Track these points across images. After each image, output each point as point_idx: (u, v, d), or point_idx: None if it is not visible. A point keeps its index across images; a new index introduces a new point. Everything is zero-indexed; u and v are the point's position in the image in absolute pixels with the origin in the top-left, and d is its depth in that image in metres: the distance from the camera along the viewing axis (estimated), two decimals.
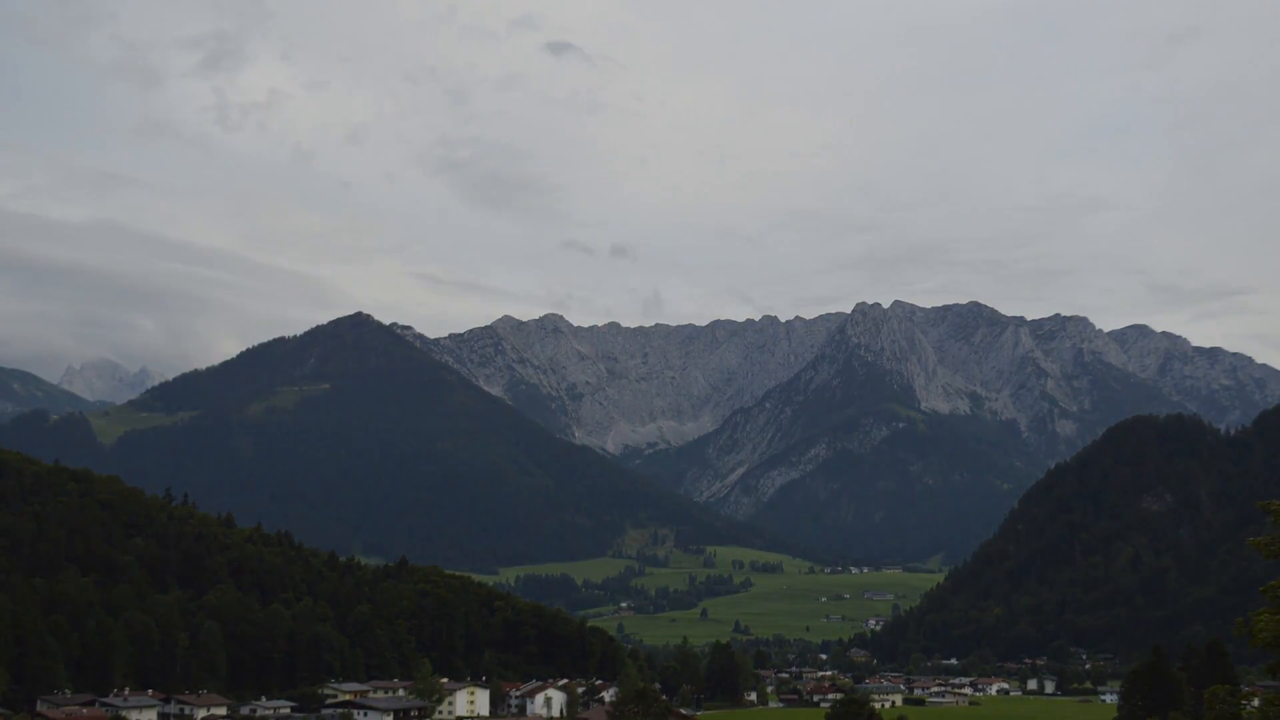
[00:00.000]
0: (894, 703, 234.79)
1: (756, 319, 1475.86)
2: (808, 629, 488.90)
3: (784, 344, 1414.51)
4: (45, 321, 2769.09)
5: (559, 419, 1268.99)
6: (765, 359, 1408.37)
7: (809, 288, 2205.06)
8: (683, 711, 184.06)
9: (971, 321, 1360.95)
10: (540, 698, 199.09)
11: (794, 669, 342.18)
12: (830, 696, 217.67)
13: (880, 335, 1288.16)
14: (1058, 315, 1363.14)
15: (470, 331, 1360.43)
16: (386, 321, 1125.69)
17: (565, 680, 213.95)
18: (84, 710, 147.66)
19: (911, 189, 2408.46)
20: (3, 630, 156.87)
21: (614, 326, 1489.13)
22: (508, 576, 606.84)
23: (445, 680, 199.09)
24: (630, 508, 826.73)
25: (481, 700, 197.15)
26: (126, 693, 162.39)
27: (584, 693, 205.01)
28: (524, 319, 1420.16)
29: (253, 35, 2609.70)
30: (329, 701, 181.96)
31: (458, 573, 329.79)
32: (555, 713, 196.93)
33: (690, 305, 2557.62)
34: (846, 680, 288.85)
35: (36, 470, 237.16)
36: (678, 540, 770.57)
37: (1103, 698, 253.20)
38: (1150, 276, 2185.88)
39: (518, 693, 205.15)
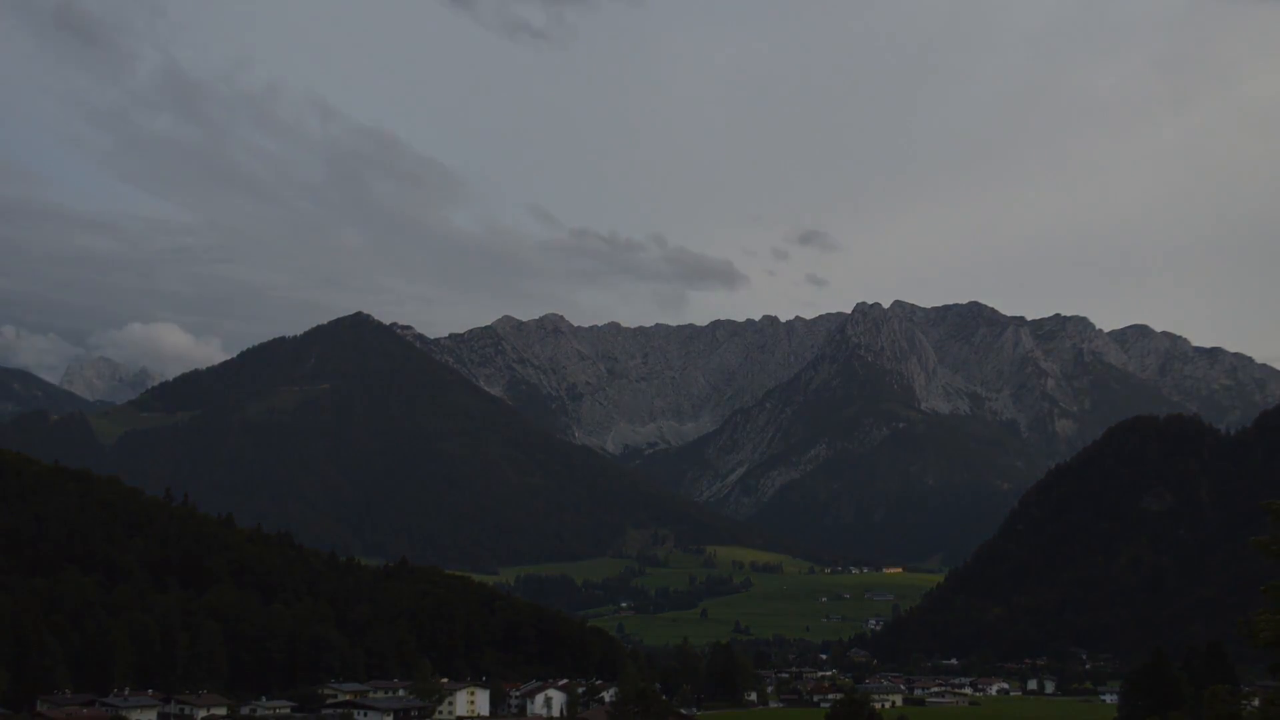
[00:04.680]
0: (894, 703, 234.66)
1: (757, 319, 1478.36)
2: (808, 629, 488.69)
3: (784, 344, 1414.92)
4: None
5: (559, 419, 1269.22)
6: (765, 359, 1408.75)
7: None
8: (683, 711, 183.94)
9: (971, 321, 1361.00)
10: (540, 698, 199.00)
11: (794, 669, 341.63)
12: (830, 696, 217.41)
13: (880, 335, 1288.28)
14: (1058, 315, 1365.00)
15: (470, 331, 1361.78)
16: (386, 321, 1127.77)
17: (565, 680, 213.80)
18: (84, 710, 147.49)
19: None
20: (3, 630, 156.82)
21: (614, 326, 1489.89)
22: (508, 576, 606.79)
23: (445, 680, 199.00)
24: (630, 508, 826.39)
25: (481, 700, 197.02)
26: (126, 693, 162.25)
27: (584, 693, 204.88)
28: (524, 319, 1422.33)
29: None
30: (329, 701, 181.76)
31: (458, 573, 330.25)
32: (555, 713, 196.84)
33: None
34: (846, 680, 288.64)
35: (36, 470, 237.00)
36: (678, 540, 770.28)
37: (1103, 698, 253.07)
38: None
39: (518, 693, 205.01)
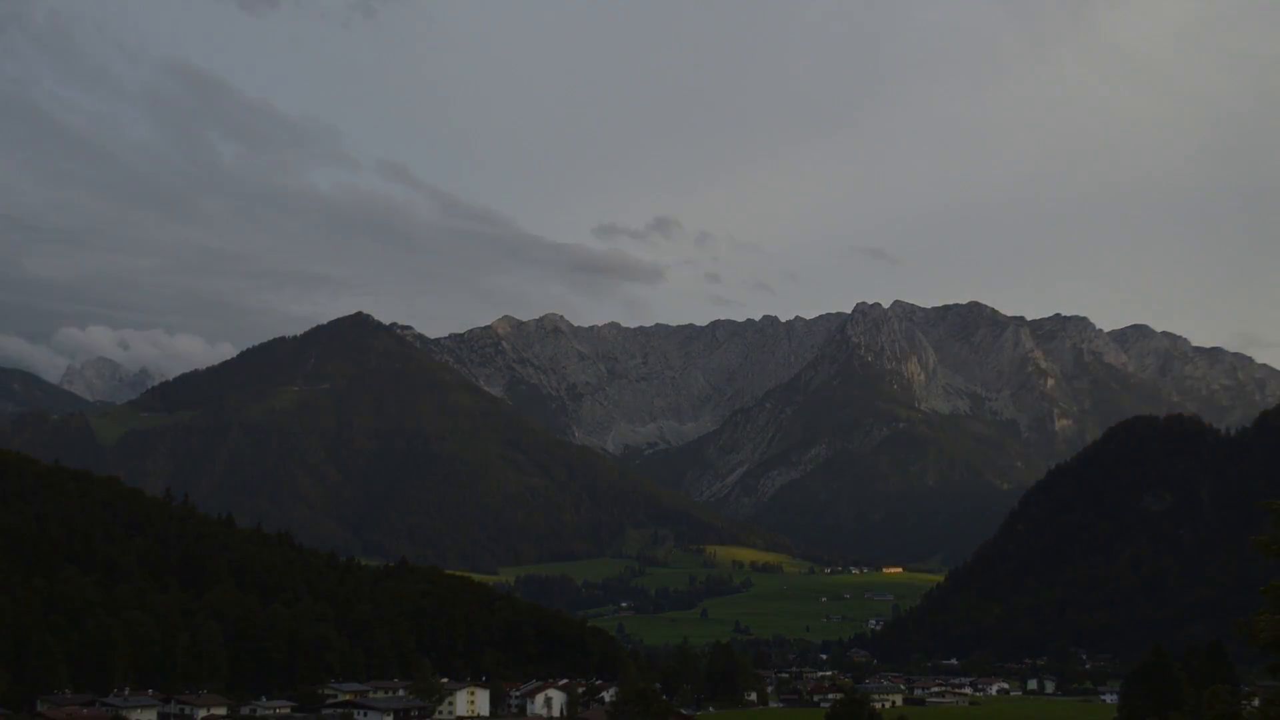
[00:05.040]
0: (894, 703, 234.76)
1: (757, 319, 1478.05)
2: (808, 629, 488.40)
3: (784, 344, 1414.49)
4: None
5: (559, 419, 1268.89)
6: (765, 359, 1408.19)
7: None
8: (683, 711, 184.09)
9: (971, 321, 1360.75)
10: (540, 698, 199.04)
11: (794, 669, 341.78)
12: (830, 696, 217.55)
13: (880, 335, 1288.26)
14: (1058, 315, 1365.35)
15: (470, 331, 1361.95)
16: (386, 322, 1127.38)
17: (565, 680, 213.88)
18: (84, 710, 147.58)
19: None
20: (3, 630, 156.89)
21: (614, 326, 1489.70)
22: (508, 576, 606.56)
23: (445, 680, 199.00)
24: (630, 508, 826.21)
25: (482, 700, 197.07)
26: (126, 693, 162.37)
27: (584, 693, 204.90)
28: (524, 319, 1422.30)
29: None
30: (329, 701, 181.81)
31: (458, 573, 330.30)
32: (555, 713, 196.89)
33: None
34: (846, 680, 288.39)
35: (36, 470, 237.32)
36: (678, 540, 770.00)
37: (1103, 698, 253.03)
38: None
39: (518, 693, 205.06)
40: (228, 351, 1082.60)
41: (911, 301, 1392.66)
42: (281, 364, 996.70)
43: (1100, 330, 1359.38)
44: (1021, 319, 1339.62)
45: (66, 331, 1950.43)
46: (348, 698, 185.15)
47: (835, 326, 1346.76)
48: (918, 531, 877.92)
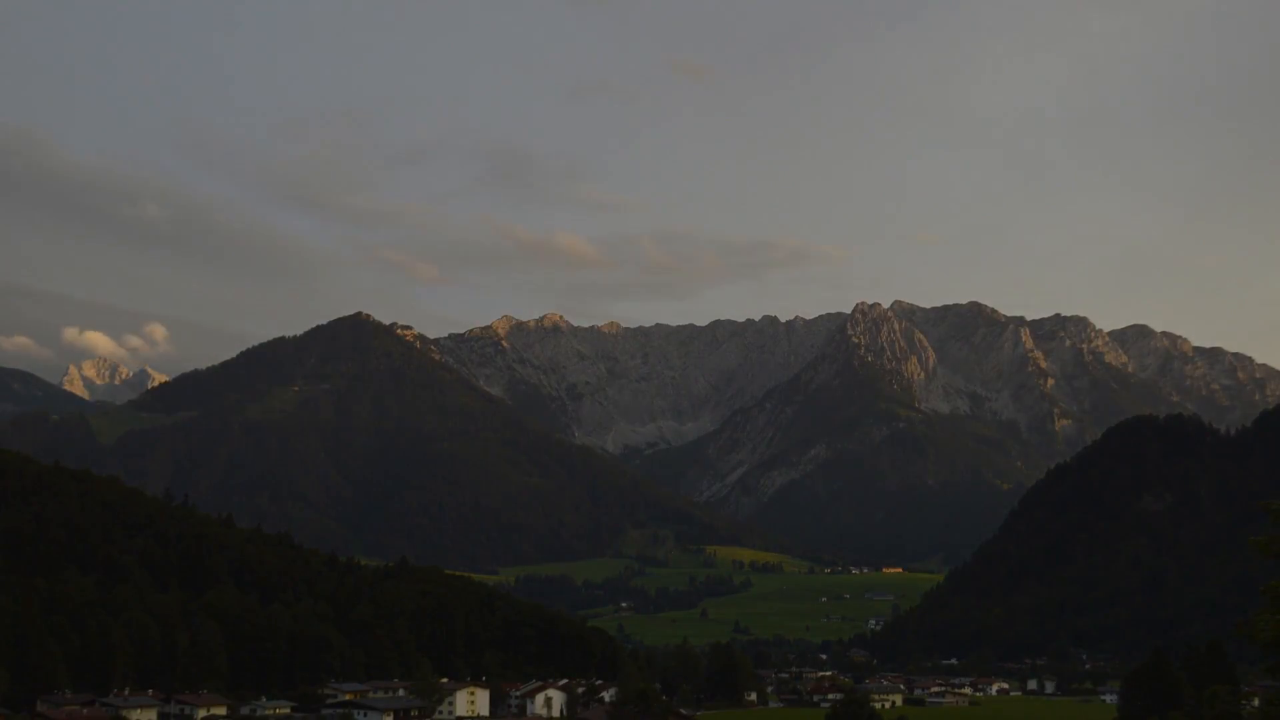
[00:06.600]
0: (894, 703, 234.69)
1: (756, 319, 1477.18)
2: (808, 629, 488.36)
3: (784, 344, 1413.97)
4: None
5: (559, 419, 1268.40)
6: (765, 359, 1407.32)
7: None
8: (683, 711, 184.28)
9: (971, 321, 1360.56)
10: (540, 698, 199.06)
11: (794, 669, 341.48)
12: (830, 696, 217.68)
13: (880, 335, 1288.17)
14: (1057, 315, 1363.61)
15: (470, 331, 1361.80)
16: (386, 321, 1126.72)
17: (565, 680, 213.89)
18: (84, 710, 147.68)
19: None
20: (3, 630, 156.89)
21: (614, 326, 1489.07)
22: (508, 576, 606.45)
23: (445, 680, 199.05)
24: (630, 508, 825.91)
25: (481, 700, 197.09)
26: (126, 693, 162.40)
27: (584, 693, 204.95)
28: (524, 318, 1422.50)
29: None
30: (329, 701, 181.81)
31: (458, 573, 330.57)
32: (555, 713, 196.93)
33: None
34: (846, 680, 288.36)
35: (36, 470, 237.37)
36: (678, 540, 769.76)
37: (1103, 698, 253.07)
38: None
39: (518, 693, 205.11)
40: None
41: (911, 301, 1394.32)
42: (281, 364, 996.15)
43: (1100, 330, 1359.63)
44: (1021, 319, 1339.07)
45: None
46: (348, 698, 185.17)
47: (835, 326, 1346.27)
48: (918, 531, 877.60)
